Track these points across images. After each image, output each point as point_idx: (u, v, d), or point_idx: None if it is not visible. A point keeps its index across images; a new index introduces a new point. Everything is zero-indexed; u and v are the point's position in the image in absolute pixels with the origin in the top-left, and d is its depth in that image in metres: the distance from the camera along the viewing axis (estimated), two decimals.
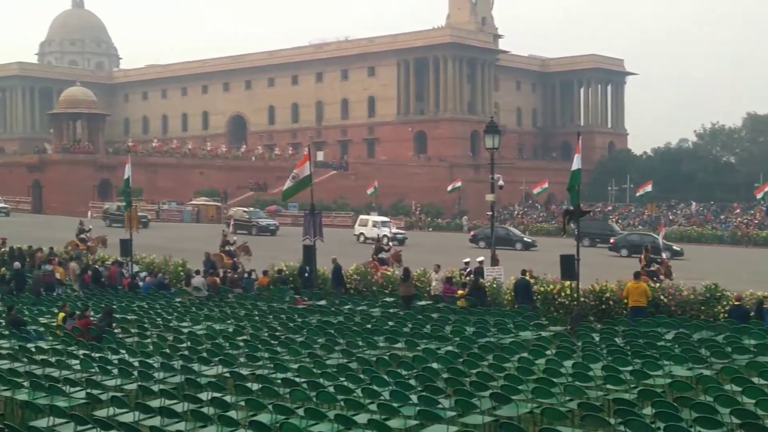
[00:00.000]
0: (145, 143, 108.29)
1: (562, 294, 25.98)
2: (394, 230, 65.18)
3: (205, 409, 13.55)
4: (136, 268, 35.51)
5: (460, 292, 27.79)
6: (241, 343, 20.23)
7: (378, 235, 57.74)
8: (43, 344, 20.76)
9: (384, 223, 65.21)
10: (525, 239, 62.05)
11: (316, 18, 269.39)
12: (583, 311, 24.76)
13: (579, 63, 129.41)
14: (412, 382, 15.39)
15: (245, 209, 73.98)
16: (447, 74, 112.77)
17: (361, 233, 63.87)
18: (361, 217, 70.18)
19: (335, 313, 26.36)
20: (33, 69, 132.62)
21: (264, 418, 13.09)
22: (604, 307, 25.44)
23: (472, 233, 64.46)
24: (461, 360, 17.52)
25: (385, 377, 15.53)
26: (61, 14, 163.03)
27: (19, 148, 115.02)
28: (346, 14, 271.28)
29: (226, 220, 72.61)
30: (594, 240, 62.06)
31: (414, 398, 13.88)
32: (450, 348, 19.32)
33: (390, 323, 23.65)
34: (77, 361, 18.00)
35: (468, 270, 30.39)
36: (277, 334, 21.90)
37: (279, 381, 15.63)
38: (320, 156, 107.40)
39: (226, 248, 40.25)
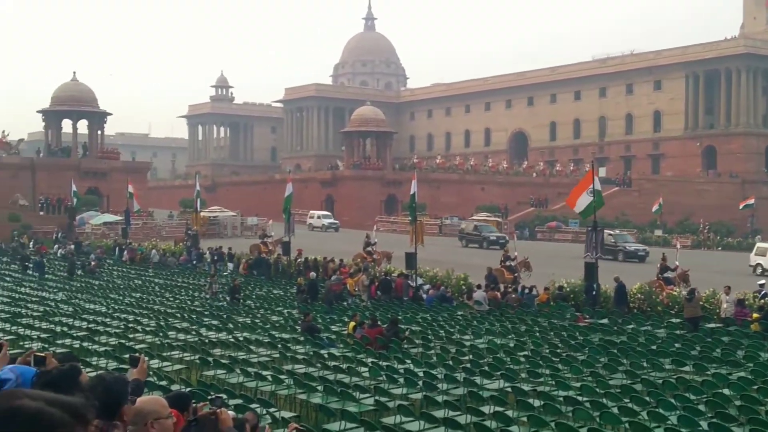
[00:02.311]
0: (429, 160, 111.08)
1: None
2: None
3: (487, 423, 13.71)
4: (420, 281, 36.54)
5: (754, 315, 26.27)
6: (522, 359, 20.29)
7: None
8: (335, 351, 21.86)
9: None
10: None
11: (599, 31, 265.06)
12: None
13: None
14: (702, 407, 14.76)
15: (610, 232, 62.39)
16: (740, 86, 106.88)
17: (758, 264, 52.47)
18: (759, 245, 57.95)
19: (618, 332, 25.78)
20: (327, 90, 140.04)
21: None
22: None
23: None
24: (756, 387, 16.58)
25: (672, 401, 15.01)
26: (353, 37, 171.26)
27: (314, 164, 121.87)
28: (631, 26, 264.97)
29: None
30: None
31: (704, 425, 13.31)
32: (743, 374, 18.32)
33: (676, 345, 22.81)
34: (366, 369, 18.81)
35: (763, 293, 28.72)
36: (558, 351, 21.77)
37: (561, 399, 15.53)
38: (602, 172, 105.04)
39: (507, 263, 40.51)
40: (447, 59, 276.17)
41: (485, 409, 14.79)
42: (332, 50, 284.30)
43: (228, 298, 34.47)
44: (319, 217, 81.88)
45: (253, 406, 14.61)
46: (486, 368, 18.57)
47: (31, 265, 46.31)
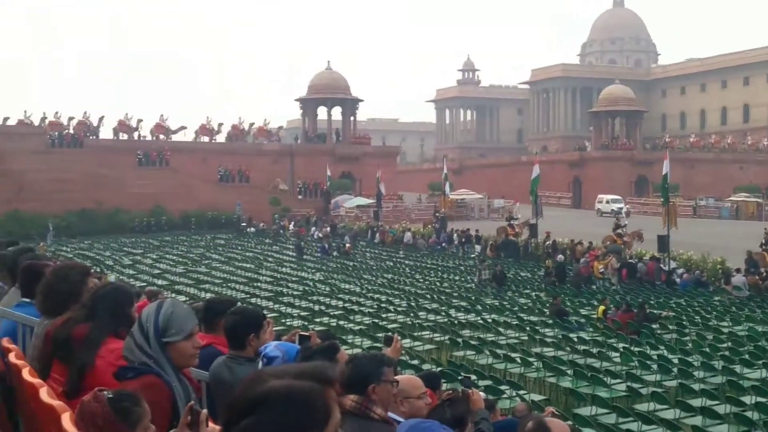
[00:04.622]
0: (681, 138, 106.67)
1: None
2: None
3: (749, 413, 13.07)
4: (673, 264, 35.26)
5: None
6: None
7: None
8: (584, 335, 21.55)
9: None
10: None
11: None
12: None
13: None
14: None
15: None
16: None
17: None
18: None
19: None
20: (574, 70, 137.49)
21: None
22: None
23: None
24: None
25: None
26: (602, 15, 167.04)
27: (561, 146, 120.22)
28: None
29: None
30: None
31: None
32: None
33: None
34: (617, 354, 18.41)
35: None
36: None
37: None
38: None
39: None
40: (701, 33, 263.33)
41: (746, 399, 14.09)
42: (580, 29, 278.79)
43: (493, 285, 33.91)
44: (608, 202, 77.55)
45: (502, 387, 14.71)
46: (746, 357, 17.67)
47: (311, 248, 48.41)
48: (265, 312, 22.38)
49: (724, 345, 19.55)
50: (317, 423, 1.92)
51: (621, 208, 72.39)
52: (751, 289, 30.10)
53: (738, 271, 31.58)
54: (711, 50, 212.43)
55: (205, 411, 3.40)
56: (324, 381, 1.98)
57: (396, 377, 4.80)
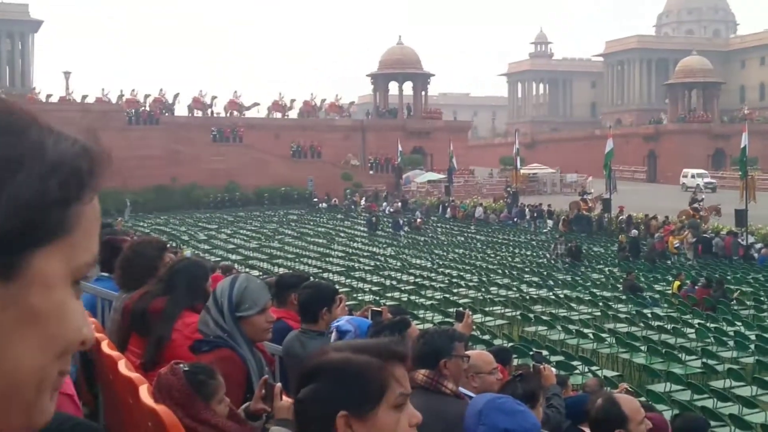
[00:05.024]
0: (761, 110, 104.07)
1: None
2: None
3: None
4: (751, 239, 34.55)
5: None
6: None
7: None
8: (658, 311, 21.28)
9: None
10: None
11: None
12: None
13: None
14: None
15: None
16: None
17: None
18: None
19: None
20: (650, 41, 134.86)
21: None
22: None
23: None
24: None
25: None
26: None
27: (636, 119, 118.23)
28: None
29: None
30: None
31: None
32: None
33: None
34: (692, 330, 18.15)
35: None
36: None
37: None
38: None
39: None
40: None
41: None
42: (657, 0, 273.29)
43: (568, 260, 33.55)
44: (693, 176, 72.71)
45: (574, 363, 14.63)
46: None
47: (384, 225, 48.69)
48: (336, 287, 22.61)
49: None
50: (371, 397, 1.93)
51: (707, 182, 69.06)
52: None
53: None
54: None
55: (279, 384, 3.46)
56: (386, 356, 1.99)
57: (467, 352, 4.82)
